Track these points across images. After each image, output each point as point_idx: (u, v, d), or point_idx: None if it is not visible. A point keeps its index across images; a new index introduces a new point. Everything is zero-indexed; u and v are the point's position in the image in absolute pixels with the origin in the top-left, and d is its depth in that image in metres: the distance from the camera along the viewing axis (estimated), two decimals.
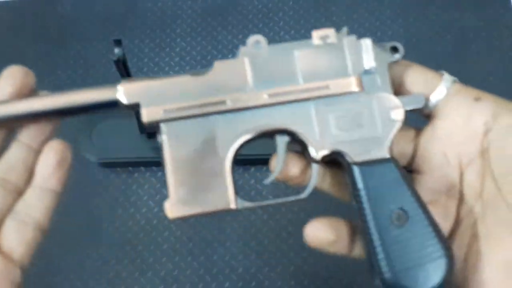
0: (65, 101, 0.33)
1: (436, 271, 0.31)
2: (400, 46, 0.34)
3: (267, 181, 0.34)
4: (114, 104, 0.33)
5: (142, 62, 0.68)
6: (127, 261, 0.57)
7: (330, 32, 0.33)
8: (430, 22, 0.69)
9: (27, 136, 0.34)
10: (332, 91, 0.33)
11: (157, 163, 0.61)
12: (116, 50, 0.52)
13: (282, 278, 0.55)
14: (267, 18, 0.70)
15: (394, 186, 0.32)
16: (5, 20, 0.72)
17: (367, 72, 0.33)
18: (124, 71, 0.53)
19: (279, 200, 0.34)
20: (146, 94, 0.32)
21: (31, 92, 0.34)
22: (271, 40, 0.68)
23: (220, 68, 0.33)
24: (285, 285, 0.55)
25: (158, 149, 0.64)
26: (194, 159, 0.32)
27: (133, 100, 0.32)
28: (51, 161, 0.34)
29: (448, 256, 0.31)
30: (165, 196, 0.59)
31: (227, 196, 0.32)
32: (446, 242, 0.32)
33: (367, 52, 0.33)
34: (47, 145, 0.34)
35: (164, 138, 0.32)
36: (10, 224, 0.34)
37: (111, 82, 0.65)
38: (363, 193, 0.33)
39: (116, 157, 0.61)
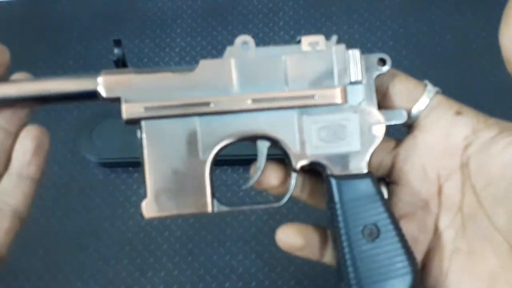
0: (43, 88, 0.32)
1: (402, 286, 0.31)
2: (387, 58, 0.33)
3: (246, 186, 0.34)
4: (93, 96, 0.32)
5: (142, 62, 0.68)
6: (127, 261, 0.57)
7: (320, 39, 0.32)
8: (430, 22, 0.69)
9: (4, 119, 0.33)
10: (317, 102, 0.32)
11: None
12: (116, 50, 0.52)
13: (282, 278, 0.55)
14: (267, 18, 0.70)
15: (369, 202, 0.33)
16: (5, 20, 0.72)
17: (353, 83, 0.33)
18: None
19: (255, 206, 0.34)
20: (128, 89, 0.31)
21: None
22: (271, 40, 0.68)
23: (206, 67, 0.31)
24: (285, 285, 0.55)
25: None
26: (173, 159, 0.31)
27: (113, 94, 0.31)
28: (28, 147, 0.33)
29: (414, 271, 0.32)
30: None
31: (204, 199, 0.32)
32: (414, 259, 0.32)
33: (355, 64, 0.32)
34: (23, 131, 0.33)
35: (143, 136, 0.31)
36: None
37: None
38: (338, 206, 0.33)
39: (116, 157, 0.61)
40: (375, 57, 0.33)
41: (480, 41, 0.67)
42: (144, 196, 0.34)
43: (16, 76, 0.34)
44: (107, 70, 0.32)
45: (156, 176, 0.32)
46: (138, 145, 0.32)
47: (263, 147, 0.33)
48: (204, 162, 0.32)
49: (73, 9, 0.71)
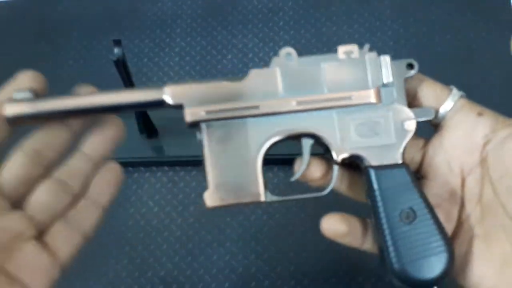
0: (117, 99, 0.36)
1: (438, 263, 0.35)
2: (415, 63, 0.38)
3: (293, 178, 0.39)
4: (160, 104, 0.36)
5: (142, 62, 0.68)
6: (127, 261, 0.57)
7: (353, 48, 0.37)
8: (430, 22, 0.69)
9: (90, 149, 0.37)
10: (354, 102, 0.36)
11: (157, 163, 0.61)
12: (116, 50, 0.52)
13: (282, 278, 0.55)
14: (267, 18, 0.70)
15: (404, 188, 0.36)
16: (5, 20, 0.72)
17: (385, 85, 0.37)
18: (123, 71, 0.53)
19: (303, 196, 0.38)
20: (189, 96, 0.36)
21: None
22: (271, 40, 0.68)
23: (255, 76, 0.36)
24: (285, 285, 0.55)
25: (158, 149, 0.64)
26: (230, 155, 0.36)
27: (177, 101, 0.36)
28: (108, 181, 0.37)
29: (449, 251, 0.35)
30: (164, 196, 0.60)
31: (258, 190, 0.36)
32: (448, 239, 0.36)
33: (386, 68, 0.37)
34: (106, 165, 0.38)
35: (204, 136, 0.36)
36: (60, 226, 0.36)
37: (111, 83, 0.66)
38: (377, 193, 0.37)
39: (115, 157, 0.61)
40: (404, 62, 0.38)
41: (480, 41, 0.67)
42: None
43: (82, 88, 0.38)
44: (171, 82, 0.36)
45: (216, 171, 0.36)
46: (198, 145, 0.37)
47: (306, 144, 0.37)
48: (256, 157, 0.36)
49: (73, 9, 0.71)
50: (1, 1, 0.73)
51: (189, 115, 0.36)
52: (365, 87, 0.37)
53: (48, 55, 0.69)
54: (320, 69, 0.36)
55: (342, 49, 0.37)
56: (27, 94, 0.35)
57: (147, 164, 0.61)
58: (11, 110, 0.35)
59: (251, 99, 0.36)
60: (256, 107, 0.36)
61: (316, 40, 0.68)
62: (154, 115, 0.60)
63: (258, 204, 0.37)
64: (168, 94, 0.36)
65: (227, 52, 0.68)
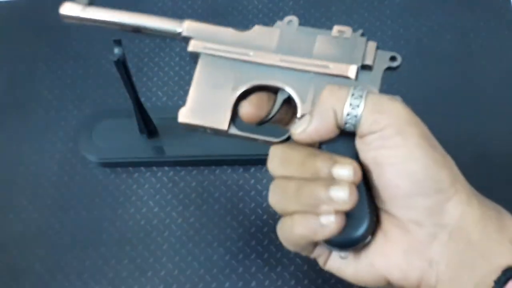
0: (142, 21, 0.44)
1: (360, 227, 0.36)
2: (398, 57, 0.40)
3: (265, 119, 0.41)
4: (176, 34, 0.42)
5: (142, 62, 0.68)
6: (127, 261, 0.57)
7: (347, 29, 0.40)
8: (430, 22, 0.69)
9: None
10: (331, 71, 0.39)
11: (157, 163, 0.61)
12: (116, 50, 0.52)
13: (282, 277, 0.55)
14: (267, 18, 0.70)
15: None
16: (5, 20, 0.72)
17: (364, 67, 0.39)
18: (124, 72, 0.53)
19: (263, 137, 0.41)
20: (199, 32, 0.42)
21: None
22: None
23: (257, 30, 0.41)
24: (285, 284, 0.55)
25: (159, 149, 0.64)
26: (214, 86, 0.41)
27: (189, 34, 0.42)
28: None
29: (370, 218, 0.37)
30: (165, 196, 0.60)
31: (224, 120, 0.40)
32: (373, 209, 0.37)
33: (370, 52, 0.40)
34: None
35: (198, 65, 0.41)
36: None
37: (111, 83, 0.66)
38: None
39: (116, 157, 0.61)
40: (389, 54, 0.40)
41: (480, 41, 0.67)
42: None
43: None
44: (190, 19, 0.42)
45: (196, 93, 0.41)
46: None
47: (281, 97, 0.41)
48: (233, 94, 0.40)
49: None
50: (1, 1, 0.73)
51: (192, 46, 0.42)
52: (347, 62, 0.39)
53: (48, 55, 0.69)
54: (313, 39, 0.40)
55: (337, 28, 0.41)
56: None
57: (147, 164, 0.61)
58: (65, 10, 0.44)
59: (246, 47, 0.41)
60: (247, 54, 0.40)
61: None
62: (155, 115, 0.60)
63: (222, 134, 0.40)
64: (184, 28, 0.42)
65: None
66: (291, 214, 0.36)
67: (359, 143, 0.37)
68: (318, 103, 0.37)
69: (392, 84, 0.60)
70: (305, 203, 0.35)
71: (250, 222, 0.58)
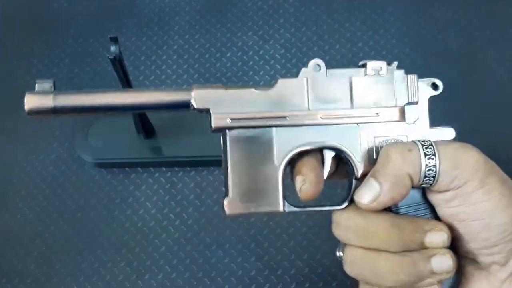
0: (147, 98, 0.36)
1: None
2: (439, 83, 0.38)
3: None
4: (186, 106, 0.36)
5: (139, 60, 0.67)
6: (124, 264, 0.56)
7: (382, 64, 0.37)
8: (434, 20, 0.68)
9: None
10: (379, 119, 0.37)
11: (155, 164, 0.61)
12: (113, 48, 0.51)
13: (283, 280, 0.54)
14: (267, 15, 0.69)
15: (417, 208, 0.36)
16: (1, 18, 0.72)
17: (410, 103, 0.37)
18: (120, 70, 0.52)
19: (320, 208, 0.37)
20: (216, 102, 0.36)
21: None
22: (272, 37, 0.67)
23: (283, 85, 0.37)
24: None
25: (156, 149, 0.63)
26: (252, 164, 0.36)
27: (203, 106, 0.36)
28: None
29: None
30: (162, 197, 0.59)
31: (277, 200, 0.36)
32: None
33: (412, 87, 0.37)
34: None
35: (227, 143, 0.36)
36: None
37: (108, 80, 0.65)
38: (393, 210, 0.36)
39: (113, 157, 0.60)
40: (429, 81, 0.38)
41: (484, 38, 0.67)
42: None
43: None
44: (198, 85, 0.36)
45: (237, 178, 0.36)
46: (221, 151, 0.37)
47: (328, 156, 0.37)
48: (279, 167, 0.36)
49: (70, 7, 0.71)
50: None
51: (215, 120, 0.36)
52: (391, 105, 0.37)
53: (45, 53, 0.68)
54: (348, 83, 0.37)
55: (371, 65, 0.37)
56: (47, 86, 0.37)
57: (144, 164, 0.61)
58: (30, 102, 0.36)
59: (277, 109, 0.36)
60: (283, 117, 0.36)
61: (317, 38, 0.67)
62: (152, 115, 0.59)
63: (276, 214, 0.37)
64: (194, 98, 0.36)
65: (226, 50, 0.67)
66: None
67: (435, 198, 0.35)
68: (387, 168, 0.34)
69: None
70: (405, 280, 0.33)
71: (250, 224, 0.57)
